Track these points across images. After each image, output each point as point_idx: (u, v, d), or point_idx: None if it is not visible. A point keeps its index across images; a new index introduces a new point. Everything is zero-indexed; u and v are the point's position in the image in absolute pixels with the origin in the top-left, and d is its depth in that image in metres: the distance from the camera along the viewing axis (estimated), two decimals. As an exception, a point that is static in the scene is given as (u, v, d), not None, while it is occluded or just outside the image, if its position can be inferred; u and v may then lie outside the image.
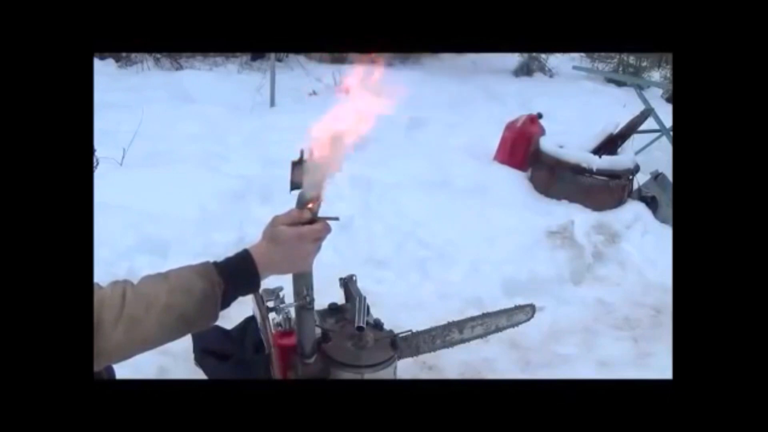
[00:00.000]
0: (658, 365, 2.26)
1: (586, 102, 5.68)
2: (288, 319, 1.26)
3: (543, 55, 7.27)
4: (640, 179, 3.64)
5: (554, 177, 3.57)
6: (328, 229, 1.05)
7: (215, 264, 0.99)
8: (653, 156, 4.23)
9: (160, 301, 0.91)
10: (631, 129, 3.73)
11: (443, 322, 1.71)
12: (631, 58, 7.41)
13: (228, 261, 1.00)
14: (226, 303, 0.98)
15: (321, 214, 1.09)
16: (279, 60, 6.25)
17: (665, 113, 4.13)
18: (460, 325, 1.69)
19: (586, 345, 2.42)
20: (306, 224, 1.03)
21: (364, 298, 1.40)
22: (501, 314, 1.81)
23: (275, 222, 1.03)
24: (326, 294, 1.45)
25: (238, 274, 0.99)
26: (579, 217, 3.28)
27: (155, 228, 2.62)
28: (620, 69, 7.41)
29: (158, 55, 6.27)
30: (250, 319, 1.32)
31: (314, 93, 5.57)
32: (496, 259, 2.83)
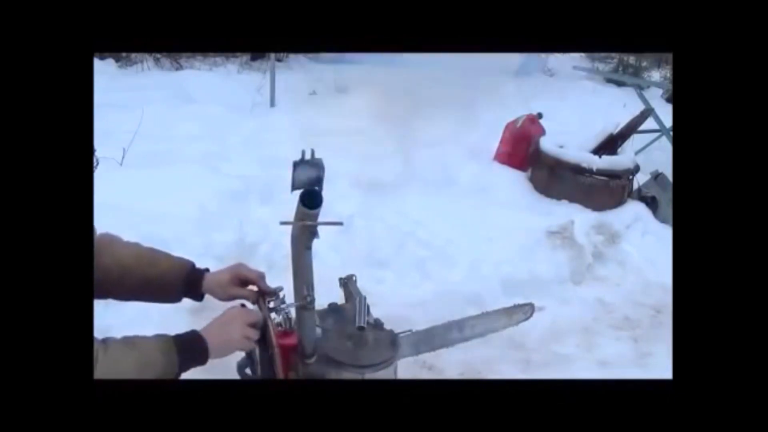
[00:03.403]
0: (658, 365, 2.26)
1: (586, 102, 5.69)
2: (288, 319, 1.26)
3: (543, 55, 7.27)
4: (640, 179, 3.64)
5: (554, 177, 3.57)
6: (257, 317, 1.18)
7: (174, 341, 1.08)
8: (653, 156, 4.23)
9: (125, 371, 0.99)
10: (631, 129, 3.73)
11: (443, 322, 1.70)
12: (631, 58, 7.41)
13: (184, 341, 1.09)
14: (179, 375, 1.09)
15: (322, 218, 1.09)
16: (279, 60, 6.25)
17: (665, 113, 4.13)
18: (460, 324, 1.69)
19: (586, 345, 2.43)
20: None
21: (364, 298, 1.39)
22: (501, 314, 1.80)
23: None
24: (326, 294, 1.45)
25: (191, 355, 1.09)
26: (579, 217, 3.28)
27: (155, 228, 2.62)
28: (620, 69, 7.41)
29: (158, 55, 6.26)
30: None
31: (314, 93, 5.56)
32: (496, 259, 2.83)
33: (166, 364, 1.05)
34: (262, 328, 1.22)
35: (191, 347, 1.09)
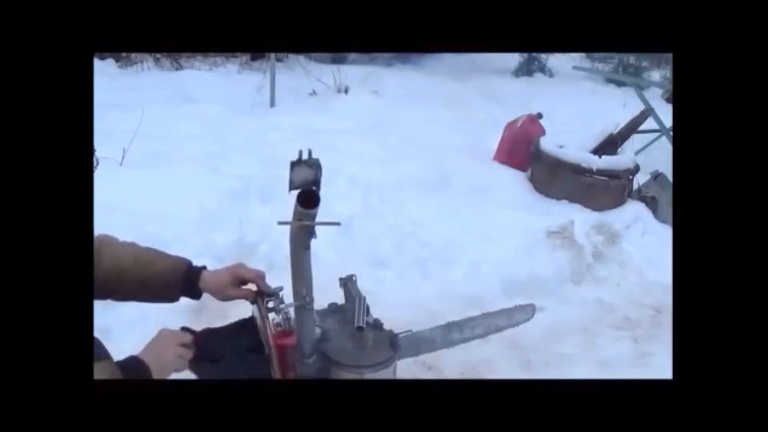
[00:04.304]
0: (658, 365, 2.26)
1: (586, 102, 5.69)
2: (288, 319, 1.26)
3: (543, 55, 7.27)
4: (640, 179, 3.64)
5: (554, 177, 3.57)
6: (188, 338, 1.20)
7: (120, 367, 1.06)
8: (653, 156, 4.23)
9: None
10: (631, 129, 3.73)
11: (443, 322, 1.70)
12: (631, 58, 7.41)
13: (128, 367, 1.07)
14: None
15: (321, 218, 1.09)
16: (279, 60, 6.25)
17: (665, 113, 4.13)
18: (460, 325, 1.69)
19: (586, 345, 2.42)
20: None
21: (364, 298, 1.39)
22: (501, 314, 1.80)
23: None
24: (326, 294, 1.45)
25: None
26: (579, 217, 3.28)
27: (155, 228, 2.62)
28: (620, 69, 7.41)
29: (158, 55, 6.27)
30: (248, 320, 1.32)
31: (314, 93, 5.57)
32: (496, 259, 2.83)
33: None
34: (262, 323, 1.23)
35: (134, 372, 1.08)
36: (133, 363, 1.10)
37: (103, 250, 1.19)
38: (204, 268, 1.29)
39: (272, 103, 5.06)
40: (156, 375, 1.11)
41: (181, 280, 1.26)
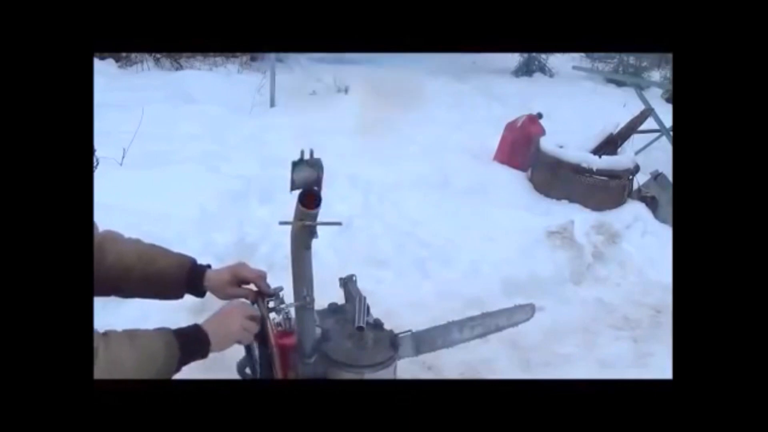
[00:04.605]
0: (658, 365, 2.25)
1: (586, 102, 5.69)
2: (288, 319, 1.26)
3: (543, 55, 7.27)
4: (640, 179, 3.64)
5: (554, 177, 3.57)
6: (256, 311, 1.22)
7: (175, 334, 1.08)
8: (653, 156, 4.23)
9: (126, 364, 0.99)
10: (631, 129, 3.73)
11: (443, 322, 1.70)
12: (631, 58, 7.40)
13: (185, 334, 1.09)
14: (179, 369, 1.09)
15: (321, 218, 1.09)
16: (279, 60, 6.24)
17: (665, 113, 4.13)
18: (460, 325, 1.69)
19: (586, 345, 2.42)
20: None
21: (364, 298, 1.39)
22: (501, 314, 1.80)
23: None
24: (326, 294, 1.45)
25: (192, 348, 1.09)
26: (579, 217, 3.27)
27: (155, 228, 2.61)
28: (620, 69, 7.41)
29: (158, 55, 6.26)
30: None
31: (314, 93, 5.56)
32: (496, 259, 2.83)
33: (168, 357, 1.05)
34: (262, 323, 1.23)
35: (192, 339, 1.09)
36: (193, 330, 1.10)
37: (106, 246, 1.20)
38: (208, 266, 1.30)
39: (272, 103, 5.06)
40: (216, 345, 1.12)
41: (184, 278, 1.26)
